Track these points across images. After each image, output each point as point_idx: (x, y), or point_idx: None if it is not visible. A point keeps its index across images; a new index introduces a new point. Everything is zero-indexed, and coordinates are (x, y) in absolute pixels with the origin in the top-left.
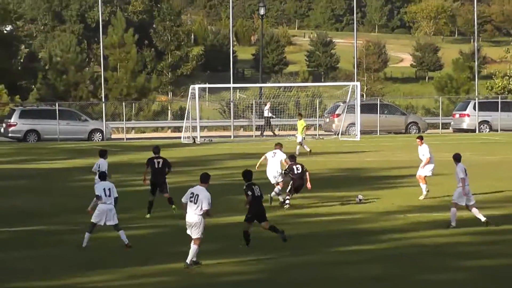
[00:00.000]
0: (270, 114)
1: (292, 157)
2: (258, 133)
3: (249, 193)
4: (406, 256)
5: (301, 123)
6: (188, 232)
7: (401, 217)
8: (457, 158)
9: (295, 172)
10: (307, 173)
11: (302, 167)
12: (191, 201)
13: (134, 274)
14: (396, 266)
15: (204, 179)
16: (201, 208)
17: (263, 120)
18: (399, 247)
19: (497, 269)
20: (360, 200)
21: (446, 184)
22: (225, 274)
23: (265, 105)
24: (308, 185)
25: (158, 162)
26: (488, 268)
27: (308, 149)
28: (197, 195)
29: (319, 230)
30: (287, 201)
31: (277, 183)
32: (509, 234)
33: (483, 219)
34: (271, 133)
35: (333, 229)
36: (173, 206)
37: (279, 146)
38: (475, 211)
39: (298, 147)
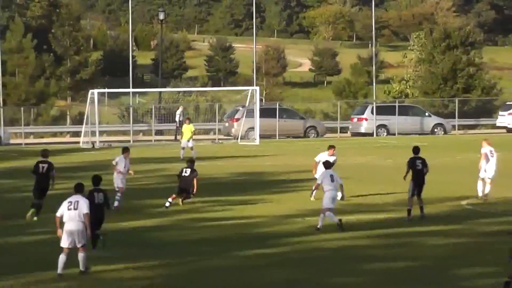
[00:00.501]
0: (182, 119)
1: (190, 161)
2: (158, 137)
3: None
4: (310, 260)
5: (189, 128)
6: (70, 241)
7: (301, 220)
8: (326, 165)
9: (182, 174)
10: (194, 179)
11: (192, 171)
12: (70, 209)
13: (28, 281)
14: (302, 270)
15: (79, 188)
16: (81, 214)
17: (175, 124)
18: (302, 251)
19: (397, 271)
20: None
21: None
22: (125, 280)
23: (178, 109)
24: (193, 189)
25: (43, 167)
26: (388, 270)
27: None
28: (77, 201)
29: (222, 235)
30: (167, 203)
31: None
32: (406, 237)
33: (336, 220)
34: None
35: (236, 233)
36: (32, 210)
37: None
38: (329, 215)
39: (193, 152)
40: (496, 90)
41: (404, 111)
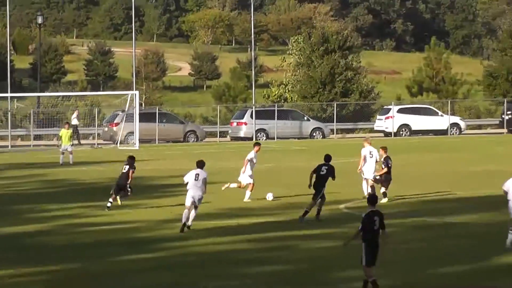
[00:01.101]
0: (77, 122)
1: (130, 157)
2: (37, 142)
3: None
4: (192, 264)
5: (66, 132)
6: None
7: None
8: (199, 165)
9: (122, 171)
10: (130, 170)
11: (130, 167)
12: None
13: None
14: (184, 274)
15: None
16: None
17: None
18: (181, 255)
19: (274, 275)
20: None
21: (226, 192)
22: (3, 286)
23: (73, 112)
24: (129, 181)
25: None
26: (266, 274)
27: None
28: None
29: (103, 239)
30: (108, 204)
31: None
32: (284, 241)
33: (189, 223)
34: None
35: (117, 237)
36: None
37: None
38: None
39: (71, 156)
40: (373, 94)
41: (283, 115)
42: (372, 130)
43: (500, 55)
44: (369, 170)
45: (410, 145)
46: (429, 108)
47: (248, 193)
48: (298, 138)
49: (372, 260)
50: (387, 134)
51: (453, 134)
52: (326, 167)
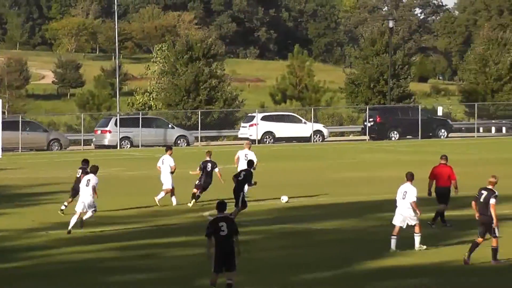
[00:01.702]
0: None
1: (83, 160)
2: None
3: None
4: (56, 273)
5: None
6: None
7: (44, 234)
8: (91, 170)
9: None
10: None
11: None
12: None
13: None
14: (51, 283)
15: None
16: None
17: None
18: (46, 264)
19: (137, 283)
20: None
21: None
22: None
23: None
24: None
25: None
26: (136, 282)
27: None
28: None
29: None
30: (63, 206)
31: None
32: (148, 249)
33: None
34: None
35: None
36: None
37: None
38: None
39: None
40: (238, 101)
41: (148, 123)
42: (236, 138)
43: (362, 63)
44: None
45: (274, 153)
46: (293, 115)
47: (173, 198)
48: (163, 146)
49: (220, 268)
50: (252, 142)
51: (316, 141)
52: (244, 173)
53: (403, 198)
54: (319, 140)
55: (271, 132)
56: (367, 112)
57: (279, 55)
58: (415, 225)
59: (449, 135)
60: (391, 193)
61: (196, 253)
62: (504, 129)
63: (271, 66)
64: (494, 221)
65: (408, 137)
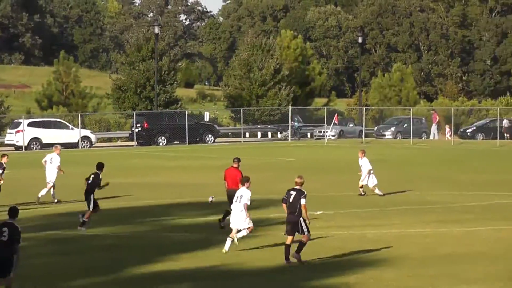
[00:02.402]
0: None
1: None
2: None
3: None
4: None
5: None
6: None
7: None
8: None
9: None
10: None
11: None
12: None
13: None
14: None
15: None
16: None
17: None
18: None
19: None
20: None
21: None
22: None
23: None
24: None
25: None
26: None
27: None
28: None
29: None
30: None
31: None
32: None
33: None
34: None
35: None
36: None
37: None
38: None
39: None
40: (3, 107)
41: None
42: (2, 144)
43: (129, 69)
44: (50, 174)
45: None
46: (60, 121)
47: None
48: None
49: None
50: (18, 148)
51: (84, 147)
52: (93, 175)
53: (239, 202)
54: (86, 146)
55: (38, 138)
56: (134, 117)
57: (44, 61)
58: (244, 229)
59: (216, 140)
60: (161, 198)
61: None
62: (269, 134)
63: (37, 72)
64: (307, 220)
65: (175, 142)
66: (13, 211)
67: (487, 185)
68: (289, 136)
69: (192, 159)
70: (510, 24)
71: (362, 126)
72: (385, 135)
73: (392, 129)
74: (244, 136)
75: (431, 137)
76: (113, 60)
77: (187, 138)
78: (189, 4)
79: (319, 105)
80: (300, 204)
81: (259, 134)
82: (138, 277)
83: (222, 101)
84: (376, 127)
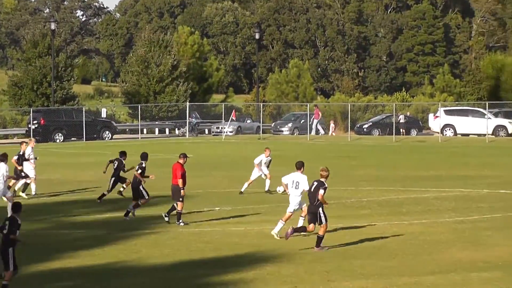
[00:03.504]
0: None
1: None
2: None
3: None
4: None
5: None
6: None
7: None
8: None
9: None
10: None
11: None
12: None
13: None
14: None
15: None
16: None
17: None
18: None
19: None
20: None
21: None
22: None
23: None
24: None
25: None
26: None
27: None
28: None
29: None
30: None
31: None
32: None
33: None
34: None
35: None
36: None
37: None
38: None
39: None
40: None
41: None
42: None
43: (25, 65)
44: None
45: None
46: None
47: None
48: None
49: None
50: None
51: None
52: (117, 161)
53: (296, 188)
54: None
55: None
56: (31, 114)
57: None
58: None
59: (114, 137)
60: (58, 195)
61: None
62: (167, 130)
63: None
64: (326, 204)
65: (73, 139)
66: (16, 206)
67: (383, 181)
68: (187, 133)
69: (89, 155)
70: (405, 20)
71: (260, 122)
72: (282, 131)
73: (289, 125)
74: (142, 133)
75: (313, 132)
76: (9, 57)
77: (84, 135)
78: (86, 0)
79: (216, 101)
80: (319, 194)
81: (157, 130)
82: (37, 275)
83: (119, 98)
84: (273, 123)
